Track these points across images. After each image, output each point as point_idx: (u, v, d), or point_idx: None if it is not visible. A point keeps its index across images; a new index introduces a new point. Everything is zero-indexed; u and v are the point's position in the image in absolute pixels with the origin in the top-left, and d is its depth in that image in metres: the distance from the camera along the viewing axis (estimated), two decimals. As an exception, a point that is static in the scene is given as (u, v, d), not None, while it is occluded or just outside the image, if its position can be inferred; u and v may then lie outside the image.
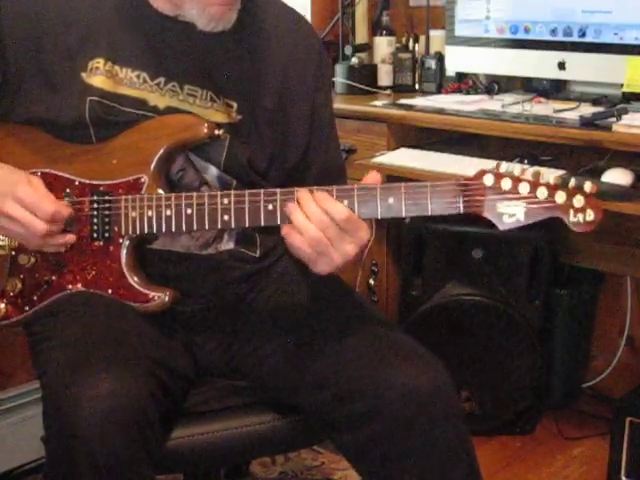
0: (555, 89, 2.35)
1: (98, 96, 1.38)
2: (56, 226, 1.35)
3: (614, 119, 1.95)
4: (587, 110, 2.10)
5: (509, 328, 2.30)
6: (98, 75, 1.39)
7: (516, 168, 1.22)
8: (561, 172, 1.96)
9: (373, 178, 1.27)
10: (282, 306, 1.49)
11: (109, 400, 1.18)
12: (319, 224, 1.23)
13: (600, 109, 2.08)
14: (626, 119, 1.95)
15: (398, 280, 2.43)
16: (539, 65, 2.31)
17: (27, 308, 1.42)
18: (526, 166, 1.28)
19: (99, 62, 1.39)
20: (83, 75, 1.39)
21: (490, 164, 2.03)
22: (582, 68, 2.23)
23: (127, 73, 1.39)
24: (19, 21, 1.39)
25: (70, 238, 1.37)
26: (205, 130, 1.37)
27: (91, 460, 1.18)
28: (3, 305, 1.43)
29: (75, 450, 1.18)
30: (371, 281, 2.40)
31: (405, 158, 2.17)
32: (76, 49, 1.39)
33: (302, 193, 1.26)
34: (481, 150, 2.21)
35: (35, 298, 1.42)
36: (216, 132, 1.38)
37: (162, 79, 1.40)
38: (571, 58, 2.23)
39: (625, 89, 2.12)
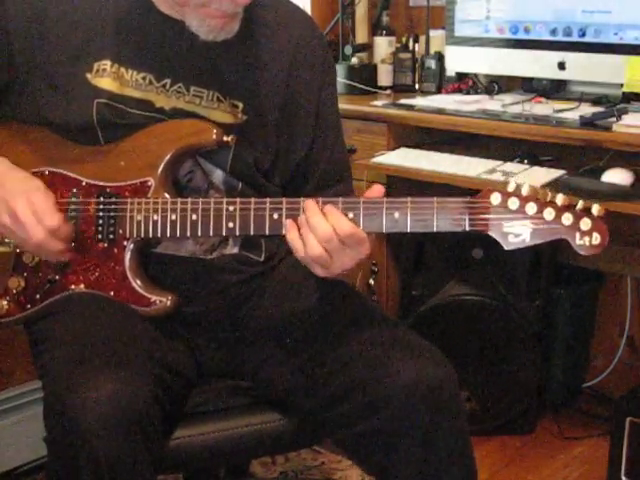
0: (555, 89, 2.35)
1: (106, 98, 1.38)
2: (53, 241, 1.32)
3: (614, 119, 1.95)
4: (587, 110, 2.10)
5: (509, 328, 2.30)
6: (105, 77, 1.38)
7: (524, 187, 1.20)
8: (561, 172, 1.96)
9: (377, 191, 1.27)
10: (284, 307, 1.49)
11: (112, 402, 1.18)
12: (323, 238, 1.23)
13: (600, 109, 2.08)
14: (626, 119, 1.95)
15: (398, 280, 2.43)
16: (539, 65, 2.31)
17: (29, 306, 1.42)
18: (534, 184, 1.25)
19: (105, 64, 1.38)
20: (88, 76, 1.38)
21: (490, 164, 2.07)
22: (582, 68, 2.23)
23: (133, 75, 1.39)
24: (24, 20, 1.39)
25: (67, 255, 1.36)
26: (214, 136, 1.36)
27: (94, 461, 1.18)
28: (5, 302, 1.43)
29: (78, 451, 1.18)
30: (371, 281, 2.39)
31: (405, 158, 2.17)
32: (80, 49, 1.38)
33: (309, 204, 1.25)
34: (481, 150, 2.21)
35: (38, 297, 1.42)
36: (225, 139, 1.37)
37: (168, 81, 1.40)
38: (571, 58, 2.23)
39: (625, 89, 2.11)
